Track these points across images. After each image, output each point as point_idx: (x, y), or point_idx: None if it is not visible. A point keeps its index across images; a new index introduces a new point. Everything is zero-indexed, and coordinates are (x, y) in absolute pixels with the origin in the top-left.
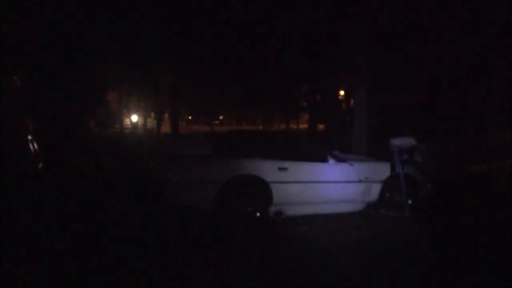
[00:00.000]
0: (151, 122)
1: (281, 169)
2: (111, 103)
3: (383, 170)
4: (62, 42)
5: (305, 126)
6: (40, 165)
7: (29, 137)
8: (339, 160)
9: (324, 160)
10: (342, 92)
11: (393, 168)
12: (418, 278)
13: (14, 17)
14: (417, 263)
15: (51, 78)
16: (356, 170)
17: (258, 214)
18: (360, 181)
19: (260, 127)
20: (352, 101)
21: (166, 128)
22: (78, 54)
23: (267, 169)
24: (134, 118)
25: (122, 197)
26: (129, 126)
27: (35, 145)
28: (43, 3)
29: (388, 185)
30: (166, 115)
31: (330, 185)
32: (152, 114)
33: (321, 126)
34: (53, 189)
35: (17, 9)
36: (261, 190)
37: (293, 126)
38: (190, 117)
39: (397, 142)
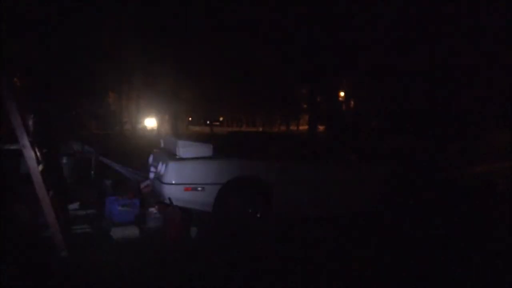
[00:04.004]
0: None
1: (281, 170)
2: (112, 104)
3: (383, 171)
4: (63, 44)
5: (306, 127)
6: (40, 167)
7: (30, 139)
8: (339, 161)
9: (324, 161)
10: (342, 93)
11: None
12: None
13: (15, 18)
14: (413, 266)
15: (52, 79)
16: (355, 171)
17: (258, 215)
18: (360, 182)
19: (261, 129)
20: (352, 103)
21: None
22: (79, 56)
23: (268, 170)
24: (148, 121)
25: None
26: (129, 128)
27: (36, 147)
28: (45, 4)
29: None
30: (167, 116)
31: (331, 186)
32: (152, 115)
33: (321, 128)
34: (53, 190)
35: (18, 10)
36: (261, 191)
37: (293, 127)
38: (190, 119)
39: (396, 143)
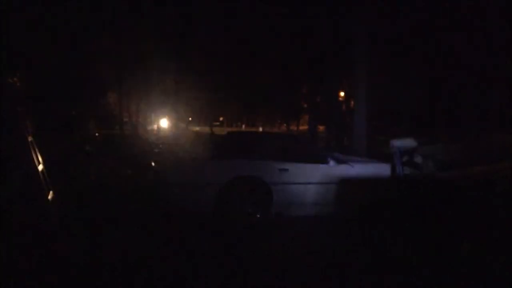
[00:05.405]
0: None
1: (281, 170)
2: (111, 104)
3: (383, 171)
4: (63, 43)
5: (306, 127)
6: (40, 167)
7: (29, 139)
8: (339, 161)
9: (324, 161)
10: (342, 93)
11: (393, 170)
12: (417, 281)
13: (15, 17)
14: (416, 266)
15: (52, 79)
16: (356, 171)
17: (258, 216)
18: (360, 182)
19: (261, 129)
20: (352, 103)
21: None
22: (78, 55)
23: (268, 170)
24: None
25: (121, 198)
26: (130, 128)
27: (35, 147)
28: (45, 4)
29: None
30: (167, 116)
31: (330, 187)
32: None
33: (321, 128)
34: (52, 190)
35: (18, 9)
36: (261, 191)
37: (293, 127)
38: (190, 119)
39: (397, 143)
